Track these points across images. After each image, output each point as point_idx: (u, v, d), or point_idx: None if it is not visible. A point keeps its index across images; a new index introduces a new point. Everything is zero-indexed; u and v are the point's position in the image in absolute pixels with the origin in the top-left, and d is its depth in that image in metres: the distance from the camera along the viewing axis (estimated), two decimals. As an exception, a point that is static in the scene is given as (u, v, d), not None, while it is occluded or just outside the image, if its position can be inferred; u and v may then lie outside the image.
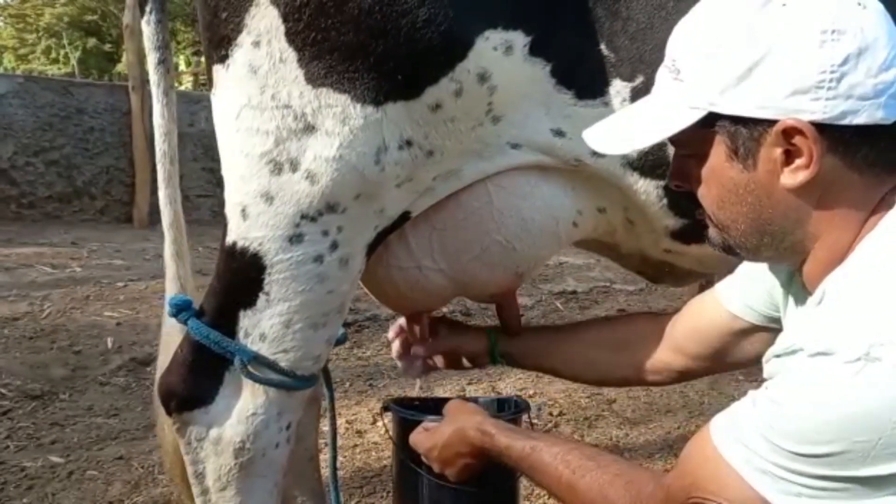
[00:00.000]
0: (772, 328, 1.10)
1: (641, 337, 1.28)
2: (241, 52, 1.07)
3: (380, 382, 3.18)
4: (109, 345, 3.46)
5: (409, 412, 1.35)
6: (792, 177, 0.80)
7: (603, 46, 1.13)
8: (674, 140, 0.90)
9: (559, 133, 1.15)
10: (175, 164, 1.29)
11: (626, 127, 0.93)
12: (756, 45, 0.79)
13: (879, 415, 0.67)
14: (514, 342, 1.41)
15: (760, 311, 1.11)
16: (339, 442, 1.91)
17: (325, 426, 1.85)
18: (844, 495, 0.71)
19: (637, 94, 1.13)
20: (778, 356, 0.79)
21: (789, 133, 0.79)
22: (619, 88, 1.14)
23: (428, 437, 1.22)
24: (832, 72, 0.76)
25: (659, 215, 1.22)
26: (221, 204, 1.18)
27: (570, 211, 1.25)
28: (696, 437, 0.84)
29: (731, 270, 1.40)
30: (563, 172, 1.21)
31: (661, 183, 1.18)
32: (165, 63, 1.27)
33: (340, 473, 1.85)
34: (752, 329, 1.13)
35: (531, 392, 3.07)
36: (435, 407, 1.37)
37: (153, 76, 1.28)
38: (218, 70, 1.10)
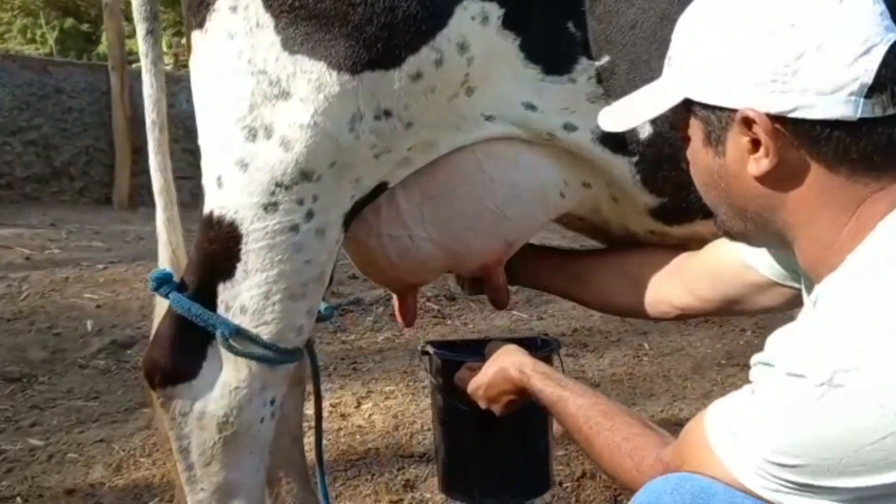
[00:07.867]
0: (788, 286, 1.13)
1: (651, 269, 1.32)
2: (219, 17, 1.07)
3: (364, 366, 3.16)
4: (89, 327, 3.42)
5: (450, 354, 1.45)
6: (756, 165, 0.83)
7: (570, 24, 1.14)
8: (671, 125, 0.96)
9: (531, 107, 1.17)
10: (164, 133, 1.29)
11: (624, 108, 0.99)
12: (724, 36, 0.83)
13: (840, 437, 0.72)
14: (525, 259, 1.41)
15: (780, 270, 1.13)
16: (324, 425, 1.91)
17: (308, 410, 1.84)
18: (818, 497, 0.75)
19: (603, 73, 1.15)
20: (761, 363, 0.84)
21: (747, 122, 0.81)
22: (585, 66, 1.16)
23: (473, 376, 1.29)
24: (786, 65, 0.78)
25: (635, 192, 1.24)
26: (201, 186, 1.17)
27: (556, 180, 1.26)
28: (694, 420, 0.88)
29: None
30: (545, 144, 1.21)
31: (633, 160, 1.20)
32: (153, 34, 1.29)
33: (324, 457, 1.86)
34: (769, 284, 1.16)
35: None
36: (467, 348, 1.48)
37: (142, 46, 1.29)
38: (196, 36, 1.11)
